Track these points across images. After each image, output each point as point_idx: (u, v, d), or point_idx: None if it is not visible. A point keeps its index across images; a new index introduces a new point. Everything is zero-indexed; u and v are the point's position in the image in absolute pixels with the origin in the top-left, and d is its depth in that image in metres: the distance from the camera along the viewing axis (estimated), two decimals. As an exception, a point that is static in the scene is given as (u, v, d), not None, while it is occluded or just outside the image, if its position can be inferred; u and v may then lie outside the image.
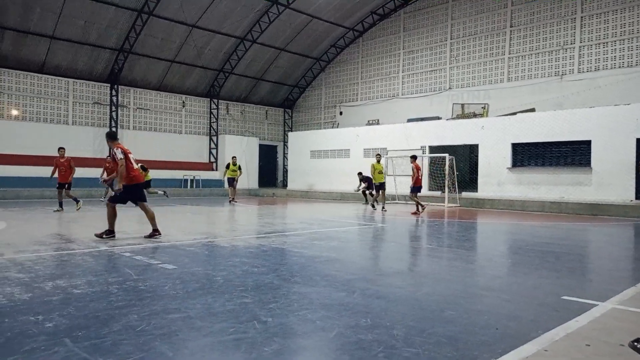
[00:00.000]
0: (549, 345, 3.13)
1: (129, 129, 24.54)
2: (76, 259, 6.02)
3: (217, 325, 3.48)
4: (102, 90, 23.68)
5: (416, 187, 14.67)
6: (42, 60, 21.59)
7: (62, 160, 13.85)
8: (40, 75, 21.82)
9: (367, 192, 19.52)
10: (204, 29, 23.46)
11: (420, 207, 14.49)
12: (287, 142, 29.93)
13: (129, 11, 21.18)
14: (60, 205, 13.57)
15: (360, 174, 19.74)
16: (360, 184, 19.50)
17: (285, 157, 30.98)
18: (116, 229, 8.06)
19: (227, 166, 19.78)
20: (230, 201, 19.09)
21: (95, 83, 23.42)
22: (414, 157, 14.99)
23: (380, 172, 15.89)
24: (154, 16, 21.62)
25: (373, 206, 16.61)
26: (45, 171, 20.67)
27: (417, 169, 14.76)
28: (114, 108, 23.79)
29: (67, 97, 22.67)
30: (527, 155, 18.25)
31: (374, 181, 16.36)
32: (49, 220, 10.93)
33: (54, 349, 2.95)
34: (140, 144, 24.57)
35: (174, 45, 23.85)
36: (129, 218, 11.35)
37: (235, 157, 20.86)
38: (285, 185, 29.62)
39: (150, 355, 2.88)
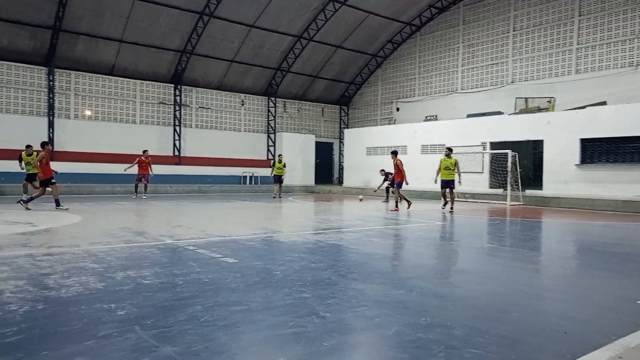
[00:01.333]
0: (623, 352, 2.95)
1: (191, 127, 25.48)
2: (144, 251, 6.34)
3: (277, 318, 3.55)
4: (166, 91, 24.73)
5: (399, 183, 14.42)
6: (112, 63, 22.85)
7: (144, 159, 18.27)
8: (110, 77, 23.10)
9: (390, 188, 18.73)
10: (261, 28, 23.93)
11: (407, 203, 14.61)
12: (343, 139, 29.96)
13: (191, 13, 21.96)
14: (136, 190, 18.16)
15: (382, 170, 19.07)
16: (383, 183, 18.83)
17: (341, 154, 31.03)
18: (178, 224, 8.36)
19: (273, 164, 20.35)
20: (274, 197, 19.69)
21: (159, 83, 24.50)
22: (394, 153, 14.66)
23: (447, 169, 14.32)
24: (214, 17, 22.30)
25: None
26: (115, 168, 21.98)
27: (399, 164, 14.28)
28: (177, 107, 24.79)
29: (135, 98, 23.86)
30: (597, 151, 17.22)
31: (440, 177, 14.65)
32: (119, 214, 11.57)
33: (125, 335, 3.13)
34: (201, 142, 25.46)
35: (233, 45, 24.49)
36: (195, 215, 11.76)
37: (281, 155, 21.29)
38: (341, 182, 29.68)
39: (213, 345, 2.99)
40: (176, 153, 24.64)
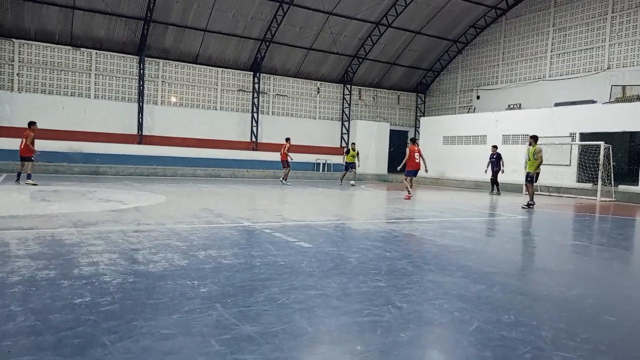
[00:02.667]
0: None
1: (268, 114, 26.07)
2: (223, 232, 6.59)
3: (353, 306, 3.53)
4: (245, 79, 25.45)
5: (411, 171, 14.09)
6: (196, 52, 23.87)
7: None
8: (194, 65, 24.15)
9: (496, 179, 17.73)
10: (340, 15, 23.84)
11: (407, 193, 14.01)
12: (418, 127, 29.28)
13: (272, 2, 22.34)
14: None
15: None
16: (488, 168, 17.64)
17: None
18: (255, 208, 8.60)
19: (347, 152, 20.47)
20: (353, 184, 19.79)
21: (240, 71, 25.24)
22: (412, 141, 14.65)
23: (533, 159, 12.62)
24: (294, 6, 22.53)
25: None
26: (196, 152, 23.07)
27: (413, 152, 14.05)
28: (255, 95, 25.45)
29: (217, 85, 24.79)
30: None
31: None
32: (200, 196, 12.13)
33: (208, 312, 3.25)
34: (277, 129, 25.98)
35: (311, 33, 24.63)
36: (266, 197, 12.03)
37: (354, 143, 21.35)
38: (415, 171, 29.06)
39: (290, 327, 3.03)
40: (253, 139, 25.36)
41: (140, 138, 22.52)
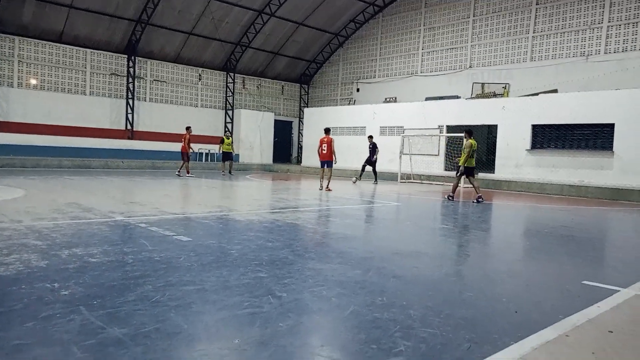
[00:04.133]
0: (570, 331, 3.05)
1: (145, 100, 24.55)
2: (92, 228, 6.06)
3: (232, 299, 3.46)
4: (119, 62, 23.64)
5: (321, 162, 14.24)
6: (60, 30, 21.56)
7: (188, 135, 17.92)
8: (58, 44, 21.82)
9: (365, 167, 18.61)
10: (222, 1, 23.16)
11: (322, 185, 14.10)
12: (302, 118, 29.74)
13: (147, -19, 20.96)
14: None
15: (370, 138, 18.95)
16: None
17: (300, 133, 30.83)
18: (130, 201, 8.06)
19: (222, 141, 20.22)
20: (223, 174, 19.63)
21: (112, 54, 23.37)
22: (326, 131, 14.62)
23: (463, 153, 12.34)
24: (171, -13, 21.40)
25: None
26: (62, 140, 20.95)
27: (322, 142, 14.24)
28: (130, 80, 23.77)
29: (85, 68, 22.68)
30: (547, 137, 17.86)
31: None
32: (66, 189, 11.03)
33: (70, 316, 2.95)
34: (156, 116, 24.62)
35: (191, 17, 23.62)
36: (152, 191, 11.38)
37: (228, 131, 21.18)
38: (299, 161, 29.56)
39: (165, 326, 2.87)
40: (129, 127, 23.73)
41: (-7, 124, 19.83)
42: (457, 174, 12.71)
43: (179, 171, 18.16)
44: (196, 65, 26.35)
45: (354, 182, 17.89)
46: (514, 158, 18.54)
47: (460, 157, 12.62)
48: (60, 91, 22.01)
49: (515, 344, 2.81)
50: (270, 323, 2.99)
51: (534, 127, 18.07)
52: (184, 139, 17.97)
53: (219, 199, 10.99)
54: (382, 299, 3.59)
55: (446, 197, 12.75)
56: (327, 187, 13.92)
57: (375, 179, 18.63)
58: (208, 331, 2.87)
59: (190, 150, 18.10)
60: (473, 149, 12.20)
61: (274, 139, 28.78)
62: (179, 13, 23.16)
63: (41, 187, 11.36)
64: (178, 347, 2.62)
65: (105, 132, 22.78)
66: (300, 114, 31.05)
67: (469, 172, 12.34)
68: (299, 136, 31.22)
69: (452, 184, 13.00)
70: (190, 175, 17.84)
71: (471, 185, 12.69)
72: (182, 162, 18.17)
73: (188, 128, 18.31)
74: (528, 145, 18.16)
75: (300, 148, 30.55)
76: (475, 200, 12.04)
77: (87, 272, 4.00)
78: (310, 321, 3.15)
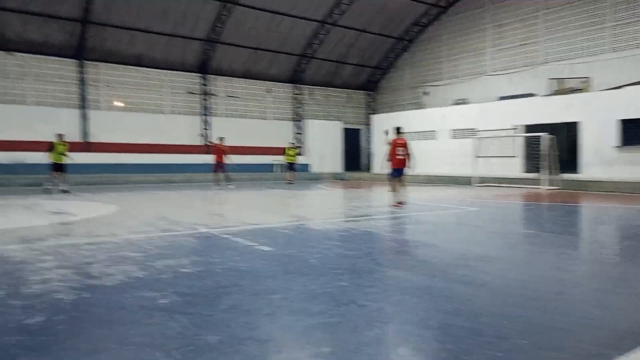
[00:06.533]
0: (682, 343, 2.82)
1: (218, 116, 25.64)
2: (180, 240, 6.43)
3: (317, 307, 3.54)
4: (193, 80, 24.91)
5: (395, 171, 10.80)
6: (139, 54, 23.08)
7: (220, 147, 18.22)
8: (138, 67, 23.34)
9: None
10: (286, 14, 23.83)
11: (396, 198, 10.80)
12: (370, 125, 29.70)
13: (215, 1, 22.02)
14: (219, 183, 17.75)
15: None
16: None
17: (368, 140, 30.79)
18: (212, 213, 8.44)
19: (285, 152, 21.13)
20: (289, 183, 20.22)
21: (187, 73, 24.68)
22: (396, 130, 11.04)
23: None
24: (239, 5, 22.33)
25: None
26: (149, 158, 22.37)
27: (395, 145, 10.76)
28: (205, 97, 24.97)
29: (163, 88, 24.13)
30: (638, 132, 16.54)
31: None
32: (154, 203, 11.76)
33: (169, 323, 3.16)
34: (230, 131, 25.60)
35: (258, 32, 24.45)
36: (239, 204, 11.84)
37: (293, 142, 21.76)
38: (369, 169, 29.49)
39: (257, 334, 2.99)
40: (204, 142, 24.87)
41: (86, 145, 21.58)
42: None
43: (220, 182, 17.91)
44: (264, 79, 27.18)
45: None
46: (601, 156, 17.35)
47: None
48: (142, 111, 23.52)
49: None
50: (357, 332, 3.03)
51: (624, 122, 16.80)
52: (218, 150, 18.05)
53: (294, 209, 11.23)
54: (468, 308, 3.51)
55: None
56: (399, 202, 10.67)
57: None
58: (297, 338, 2.96)
59: (228, 161, 17.97)
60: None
61: (345, 147, 28.98)
62: (247, 30, 24.06)
63: (131, 202, 12.19)
64: (270, 354, 2.73)
65: (184, 148, 24.05)
66: (367, 120, 31.02)
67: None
68: (368, 143, 31.18)
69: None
70: (230, 185, 17.73)
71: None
72: (220, 173, 17.85)
73: (222, 139, 18.52)
74: (617, 141, 16.93)
75: (369, 155, 30.49)
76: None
77: (181, 281, 4.26)
78: (398, 330, 3.15)
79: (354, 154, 31.25)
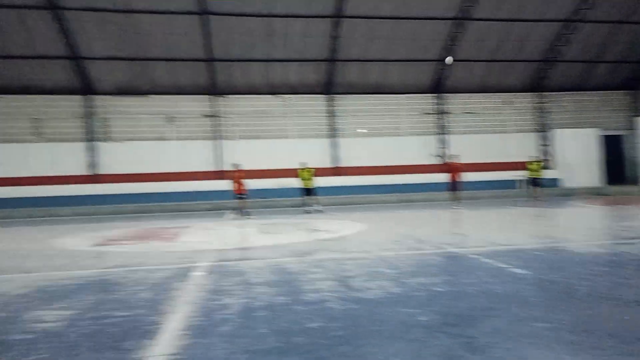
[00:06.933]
0: None
1: (454, 134, 25.38)
2: (429, 259, 6.55)
3: (595, 342, 3.13)
4: (427, 101, 25.35)
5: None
6: (378, 82, 24.72)
7: (455, 165, 17.97)
8: (377, 95, 24.99)
9: None
10: (523, 20, 22.34)
11: None
12: (635, 129, 25.11)
13: (448, 21, 22.10)
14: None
15: None
16: None
17: (633, 147, 26.01)
18: (454, 232, 8.36)
19: (526, 166, 19.68)
20: (534, 199, 18.54)
21: (420, 95, 25.27)
22: None
23: None
24: (473, 20, 21.93)
25: None
26: (392, 179, 23.57)
27: None
28: (439, 116, 25.12)
29: (399, 111, 25.23)
30: None
31: None
32: (398, 222, 12.32)
33: (432, 341, 3.25)
34: (467, 147, 25.02)
35: (491, 44, 23.52)
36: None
37: (536, 155, 19.70)
38: (637, 181, 24.85)
39: (526, 362, 2.83)
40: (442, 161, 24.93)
41: (335, 170, 24.06)
42: None
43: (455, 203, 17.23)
44: (500, 91, 25.82)
45: None
46: None
47: None
48: (380, 135, 24.97)
49: None
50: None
51: None
52: (453, 168, 17.70)
53: (544, 228, 10.27)
54: None
55: None
56: None
57: None
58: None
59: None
60: None
61: (607, 157, 25.17)
62: (480, 43, 23.38)
63: (376, 220, 13.02)
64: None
65: (419, 167, 24.57)
66: (630, 125, 26.31)
67: None
68: (632, 151, 26.38)
69: None
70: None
71: None
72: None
73: (455, 157, 18.15)
74: None
75: (636, 165, 25.73)
76: None
77: (437, 300, 4.33)
78: None
79: (616, 165, 26.76)
